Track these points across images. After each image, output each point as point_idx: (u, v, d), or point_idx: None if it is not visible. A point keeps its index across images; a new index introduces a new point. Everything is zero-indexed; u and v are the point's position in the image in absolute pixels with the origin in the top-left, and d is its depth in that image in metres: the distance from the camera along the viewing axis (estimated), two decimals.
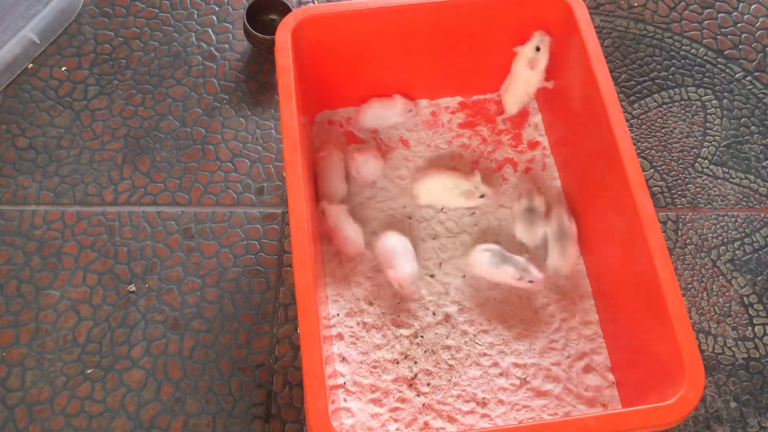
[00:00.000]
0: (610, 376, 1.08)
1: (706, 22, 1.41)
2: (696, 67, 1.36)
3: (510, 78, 1.23)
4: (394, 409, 1.06)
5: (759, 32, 1.40)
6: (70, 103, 1.30)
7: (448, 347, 1.10)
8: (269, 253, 1.18)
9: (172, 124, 1.29)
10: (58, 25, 1.34)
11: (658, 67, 1.36)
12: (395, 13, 1.11)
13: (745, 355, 1.13)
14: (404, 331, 1.11)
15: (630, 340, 1.03)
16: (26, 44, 1.30)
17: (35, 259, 1.17)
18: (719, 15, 1.42)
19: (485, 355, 1.10)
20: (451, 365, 1.09)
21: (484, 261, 1.11)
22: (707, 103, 1.33)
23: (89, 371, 1.09)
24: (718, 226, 1.22)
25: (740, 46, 1.39)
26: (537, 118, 1.28)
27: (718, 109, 1.32)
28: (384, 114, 1.24)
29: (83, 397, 1.08)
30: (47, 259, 1.17)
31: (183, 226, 1.20)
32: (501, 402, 1.06)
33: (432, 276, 1.15)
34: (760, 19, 1.41)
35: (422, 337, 1.11)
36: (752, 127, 1.31)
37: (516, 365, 1.09)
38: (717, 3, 1.43)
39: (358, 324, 1.11)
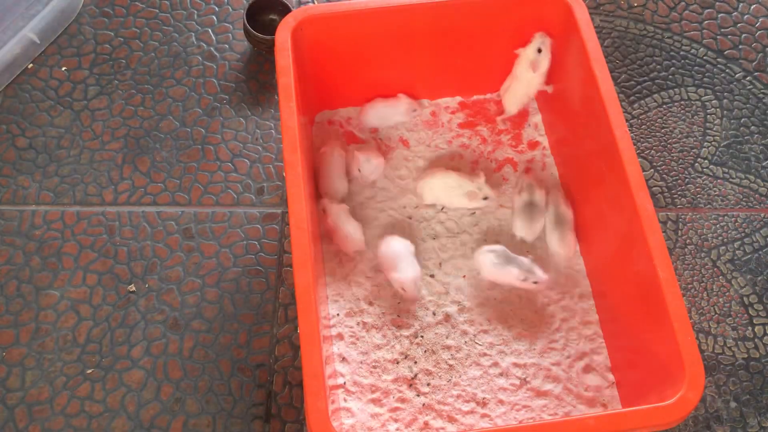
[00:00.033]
0: (610, 376, 1.08)
1: (706, 22, 1.41)
2: (696, 67, 1.36)
3: (511, 79, 1.23)
4: (394, 409, 1.06)
5: (759, 32, 1.40)
6: (70, 103, 1.30)
7: (448, 347, 1.10)
8: (269, 253, 1.18)
9: (172, 124, 1.29)
10: (58, 25, 1.34)
11: (658, 67, 1.36)
12: (395, 13, 1.11)
13: (745, 355, 1.13)
14: (404, 331, 1.11)
15: (630, 340, 1.03)
16: (26, 44, 1.30)
17: (35, 259, 1.17)
18: (719, 15, 1.42)
19: (485, 355, 1.10)
20: (451, 365, 1.09)
21: (488, 262, 1.11)
22: (707, 103, 1.33)
23: (89, 371, 1.09)
24: (718, 226, 1.22)
25: (740, 46, 1.39)
26: (537, 118, 1.28)
27: (718, 109, 1.32)
28: (388, 113, 1.24)
29: (83, 397, 1.08)
30: (47, 259, 1.17)
31: (183, 226, 1.20)
32: (501, 402, 1.06)
33: (432, 276, 1.15)
34: (760, 19, 1.41)
35: (422, 337, 1.11)
36: (752, 127, 1.31)
37: (516, 365, 1.09)
38: (717, 3, 1.43)
39: (358, 324, 1.11)
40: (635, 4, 1.42)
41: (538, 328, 1.12)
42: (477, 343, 1.11)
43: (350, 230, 1.13)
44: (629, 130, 1.23)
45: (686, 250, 1.20)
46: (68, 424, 1.06)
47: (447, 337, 1.11)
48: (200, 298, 1.15)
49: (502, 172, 1.24)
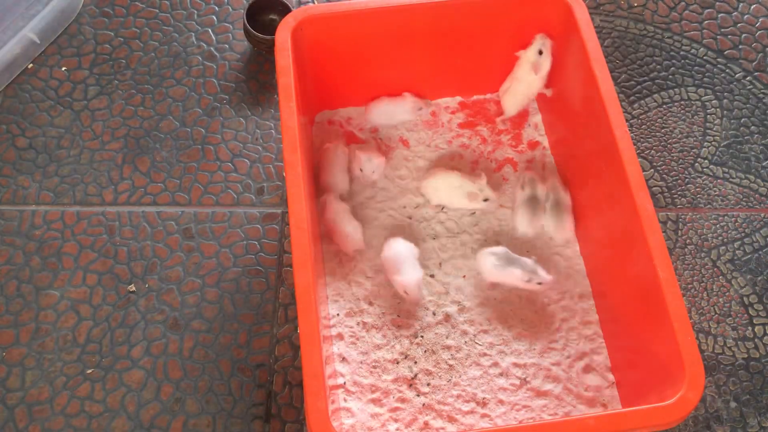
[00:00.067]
0: (610, 376, 1.08)
1: (706, 22, 1.41)
2: (696, 67, 1.36)
3: (510, 80, 1.23)
4: (394, 409, 1.06)
5: (759, 32, 1.40)
6: (70, 103, 1.30)
7: (448, 347, 1.10)
8: (269, 253, 1.18)
9: (172, 124, 1.29)
10: (58, 25, 1.34)
11: (658, 67, 1.36)
12: (395, 13, 1.11)
13: (745, 355, 1.13)
14: (404, 331, 1.11)
15: (630, 340, 1.03)
16: (26, 44, 1.30)
17: (35, 259, 1.17)
18: (719, 15, 1.42)
19: (485, 355, 1.10)
20: (451, 365, 1.09)
21: (489, 264, 1.11)
22: (707, 103, 1.33)
23: (89, 371, 1.09)
24: (718, 226, 1.22)
25: (740, 46, 1.39)
26: (537, 118, 1.28)
27: (718, 109, 1.32)
28: (393, 111, 1.24)
29: (83, 397, 1.08)
30: (47, 259, 1.17)
31: (183, 226, 1.20)
32: (501, 402, 1.06)
33: (432, 276, 1.15)
34: (760, 19, 1.41)
35: (422, 337, 1.11)
36: (752, 127, 1.31)
37: (516, 365, 1.09)
38: (717, 3, 1.43)
39: (358, 324, 1.11)
40: (635, 4, 1.42)
41: (538, 328, 1.12)
42: (477, 343, 1.11)
43: (350, 229, 1.13)
44: (629, 130, 1.23)
45: (686, 250, 1.20)
46: (68, 424, 1.06)
47: (447, 337, 1.11)
48: (200, 298, 1.15)
49: (502, 172, 1.24)
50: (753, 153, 1.29)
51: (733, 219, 1.23)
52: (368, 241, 1.17)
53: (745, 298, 1.17)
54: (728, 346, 1.14)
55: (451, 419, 1.05)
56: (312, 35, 1.10)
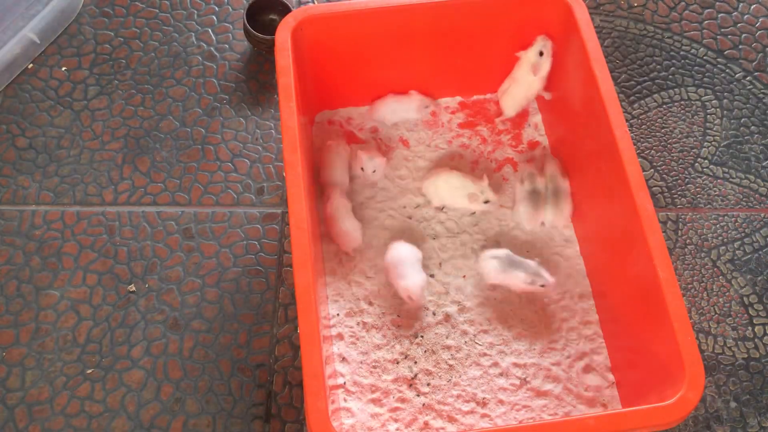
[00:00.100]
0: (610, 376, 1.08)
1: (706, 22, 1.41)
2: (696, 67, 1.36)
3: (510, 81, 1.23)
4: (394, 409, 1.06)
5: (759, 32, 1.40)
6: (70, 103, 1.30)
7: (448, 347, 1.10)
8: (269, 253, 1.18)
9: (172, 124, 1.29)
10: (58, 25, 1.34)
11: (658, 67, 1.36)
12: (395, 13, 1.11)
13: (745, 355, 1.13)
14: (404, 331, 1.11)
15: (630, 340, 1.03)
16: (26, 44, 1.30)
17: (35, 259, 1.17)
18: (719, 15, 1.42)
19: (485, 355, 1.10)
20: (451, 365, 1.09)
21: (492, 269, 1.11)
22: (707, 103, 1.33)
23: (89, 371, 1.09)
24: (718, 226, 1.22)
25: (740, 46, 1.39)
26: (537, 118, 1.28)
27: (718, 109, 1.32)
28: (399, 109, 1.24)
29: (83, 397, 1.08)
30: (47, 259, 1.17)
31: (183, 226, 1.20)
32: (501, 402, 1.06)
33: (432, 276, 1.15)
34: (760, 19, 1.41)
35: (422, 337, 1.11)
36: (752, 127, 1.31)
37: (516, 365, 1.09)
38: (717, 3, 1.43)
39: (358, 324, 1.11)
40: (635, 4, 1.42)
41: (538, 328, 1.12)
42: (477, 343, 1.11)
43: (349, 227, 1.13)
44: (629, 130, 1.22)
45: (686, 250, 1.20)
46: (68, 424, 1.06)
47: (447, 337, 1.11)
48: (200, 298, 1.15)
49: (502, 172, 1.24)
50: (753, 153, 1.29)
51: (733, 219, 1.23)
52: (368, 241, 1.17)
53: (745, 298, 1.17)
54: (728, 346, 1.14)
55: (451, 419, 1.05)
56: (312, 35, 1.10)
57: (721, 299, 1.17)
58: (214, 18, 1.39)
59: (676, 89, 1.34)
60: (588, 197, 1.14)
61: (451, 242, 1.18)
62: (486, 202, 1.17)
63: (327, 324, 1.06)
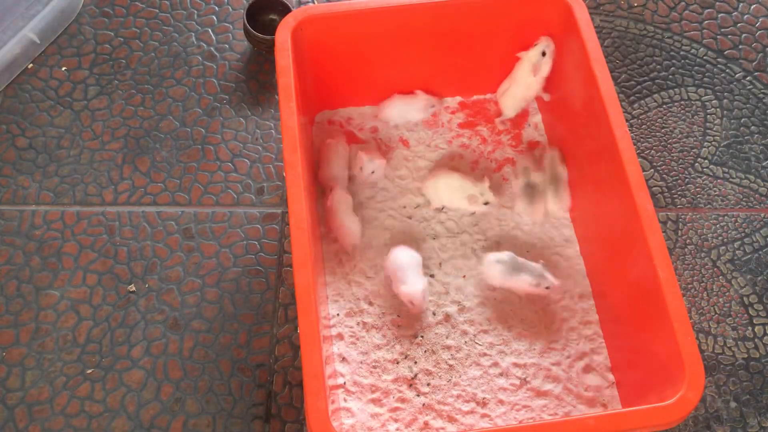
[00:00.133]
0: (610, 376, 1.08)
1: (706, 22, 1.41)
2: (696, 67, 1.36)
3: (509, 82, 1.23)
4: (394, 409, 1.06)
5: (759, 32, 1.40)
6: (70, 103, 1.30)
7: (448, 347, 1.10)
8: (269, 253, 1.18)
9: (172, 124, 1.29)
10: (58, 25, 1.34)
11: (658, 67, 1.36)
12: (395, 13, 1.11)
13: (745, 355, 1.13)
14: (404, 331, 1.11)
15: (630, 340, 1.03)
16: (26, 44, 1.30)
17: (35, 259, 1.17)
18: (719, 15, 1.42)
19: (485, 355, 1.10)
20: (451, 365, 1.09)
21: (497, 273, 1.11)
22: (707, 103, 1.33)
23: (89, 371, 1.09)
24: (718, 226, 1.22)
25: (740, 46, 1.39)
26: (537, 118, 1.28)
27: (718, 109, 1.32)
28: (406, 110, 1.24)
29: (83, 397, 1.08)
30: (47, 259, 1.17)
31: (183, 226, 1.20)
32: (501, 402, 1.06)
33: (432, 276, 1.15)
34: (760, 19, 1.41)
35: (422, 337, 1.11)
36: (752, 127, 1.31)
37: (516, 365, 1.09)
38: (717, 3, 1.43)
39: (358, 324, 1.11)
40: (635, 4, 1.42)
41: (538, 328, 1.12)
42: (477, 343, 1.11)
43: (348, 222, 1.14)
44: (629, 130, 1.22)
45: (686, 250, 1.20)
46: (68, 424, 1.06)
47: (447, 337, 1.11)
48: (200, 298, 1.15)
49: (502, 172, 1.24)
50: (753, 153, 1.29)
51: (733, 219, 1.23)
52: (368, 241, 1.17)
53: (745, 298, 1.17)
54: (728, 346, 1.14)
55: (451, 419, 1.05)
56: (312, 35, 1.10)
57: (721, 299, 1.17)
58: (214, 18, 1.39)
59: (676, 89, 1.34)
60: (588, 197, 1.14)
61: (451, 242, 1.18)
62: (486, 203, 1.17)
63: (327, 324, 1.06)
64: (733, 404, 1.10)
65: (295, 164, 0.98)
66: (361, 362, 1.08)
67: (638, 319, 1.00)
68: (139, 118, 1.29)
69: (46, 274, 1.16)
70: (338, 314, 1.12)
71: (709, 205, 1.24)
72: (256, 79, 1.33)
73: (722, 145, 1.29)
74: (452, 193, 1.17)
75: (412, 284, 1.08)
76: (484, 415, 1.06)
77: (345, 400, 1.06)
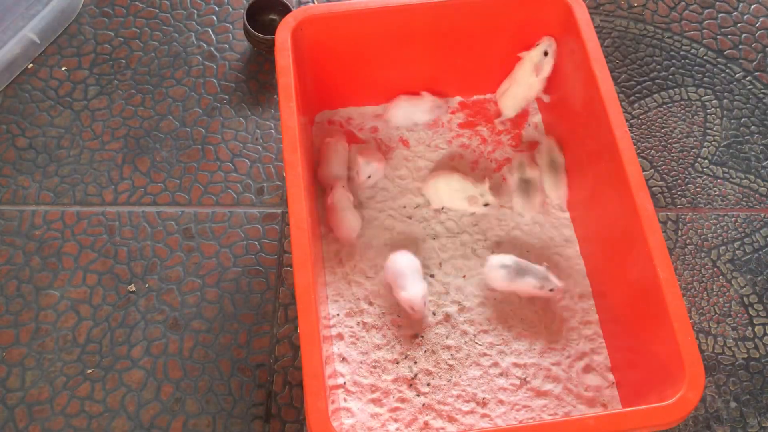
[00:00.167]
0: (610, 376, 1.08)
1: (706, 22, 1.41)
2: (696, 67, 1.36)
3: (509, 82, 1.23)
4: (394, 409, 1.06)
5: (759, 32, 1.40)
6: (70, 103, 1.30)
7: (448, 347, 1.10)
8: (269, 253, 1.18)
9: (172, 124, 1.29)
10: (58, 25, 1.34)
11: (658, 67, 1.36)
12: (395, 13, 1.11)
13: (745, 355, 1.13)
14: (404, 331, 1.11)
15: (630, 340, 1.03)
16: (26, 44, 1.30)
17: (35, 259, 1.17)
18: (719, 15, 1.42)
19: (485, 355, 1.10)
20: (451, 365, 1.09)
21: (500, 278, 1.10)
22: (707, 103, 1.33)
23: (89, 371, 1.09)
24: (718, 226, 1.22)
25: (740, 46, 1.39)
26: (537, 118, 1.28)
27: (718, 109, 1.32)
28: (413, 112, 1.24)
29: (83, 397, 1.08)
30: (47, 259, 1.17)
31: (183, 226, 1.20)
32: (501, 402, 1.06)
33: (432, 276, 1.15)
34: (760, 19, 1.41)
35: (422, 337, 1.11)
36: (752, 127, 1.31)
37: (516, 365, 1.09)
38: (717, 3, 1.43)
39: (358, 324, 1.11)
40: (635, 4, 1.42)
41: (538, 328, 1.12)
42: (477, 343, 1.11)
43: (349, 216, 1.14)
44: (629, 130, 1.22)
45: (686, 250, 1.20)
46: (68, 424, 1.06)
47: (447, 337, 1.11)
48: (200, 298, 1.15)
49: (502, 172, 1.24)
50: (753, 153, 1.29)
51: (733, 219, 1.23)
52: (368, 242, 1.17)
53: (745, 298, 1.17)
54: (728, 346, 1.14)
55: (451, 419, 1.05)
56: (312, 35, 1.10)
57: (721, 299, 1.17)
58: (214, 18, 1.39)
59: (676, 89, 1.34)
60: (588, 197, 1.14)
61: (451, 242, 1.18)
62: (486, 205, 1.17)
63: (327, 324, 1.06)
64: (733, 404, 1.10)
65: (295, 164, 0.98)
66: (361, 362, 1.08)
67: (638, 319, 1.00)
68: (139, 118, 1.29)
69: (46, 274, 1.16)
70: (338, 314, 1.12)
71: (709, 205, 1.24)
72: (256, 79, 1.33)
73: (722, 145, 1.29)
74: (452, 194, 1.17)
75: (412, 290, 1.08)
76: (484, 415, 1.06)
77: (345, 400, 1.06)
